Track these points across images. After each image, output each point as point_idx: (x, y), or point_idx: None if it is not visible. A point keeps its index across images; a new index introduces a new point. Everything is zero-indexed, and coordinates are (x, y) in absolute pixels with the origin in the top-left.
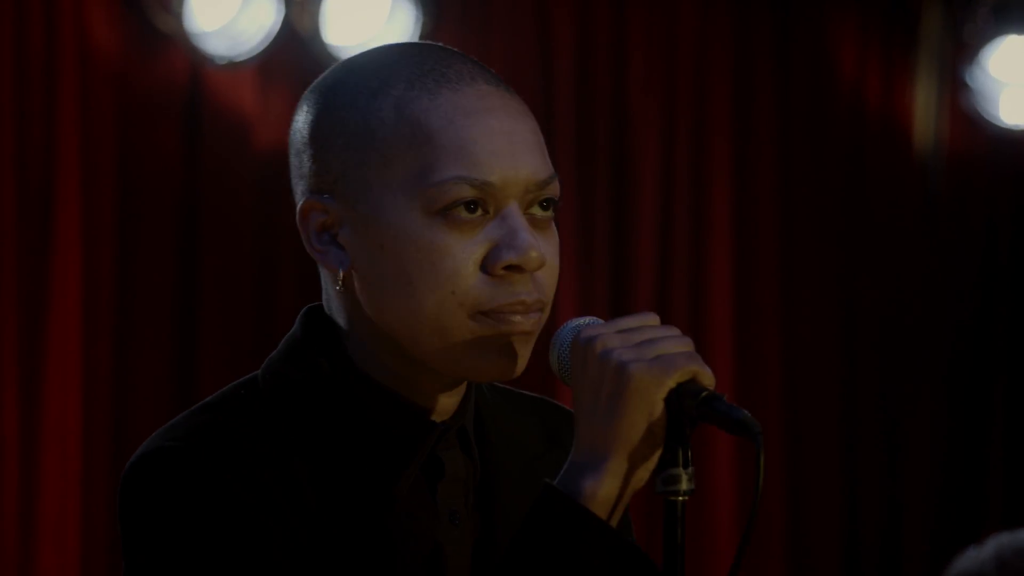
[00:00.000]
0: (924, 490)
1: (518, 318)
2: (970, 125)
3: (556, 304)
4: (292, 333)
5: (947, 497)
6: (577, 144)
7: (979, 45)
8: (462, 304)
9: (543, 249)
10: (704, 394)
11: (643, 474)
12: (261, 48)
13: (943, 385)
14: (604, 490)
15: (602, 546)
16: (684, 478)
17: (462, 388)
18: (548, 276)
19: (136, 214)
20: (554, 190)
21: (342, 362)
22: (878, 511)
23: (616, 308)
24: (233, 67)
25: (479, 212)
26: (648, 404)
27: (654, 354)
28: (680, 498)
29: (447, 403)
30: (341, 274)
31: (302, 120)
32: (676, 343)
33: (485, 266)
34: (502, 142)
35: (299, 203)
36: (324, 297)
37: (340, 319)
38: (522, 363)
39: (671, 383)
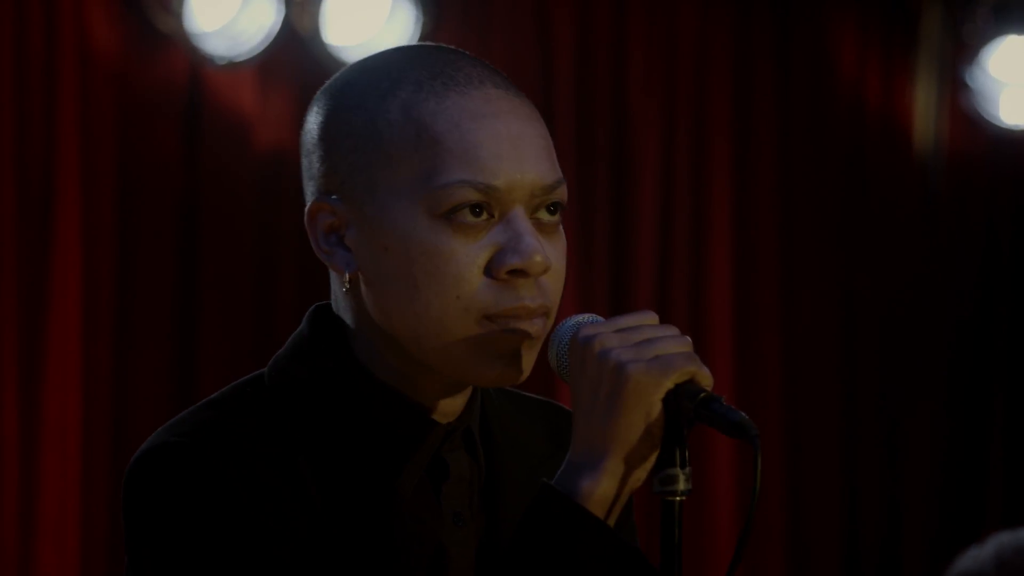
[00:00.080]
0: (924, 490)
1: (523, 324)
2: (970, 125)
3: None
4: (299, 331)
5: (947, 497)
6: (577, 144)
7: (979, 45)
8: (467, 309)
9: (548, 254)
10: (702, 395)
11: (640, 474)
12: (261, 48)
13: (943, 385)
14: (601, 489)
15: (599, 545)
16: (681, 478)
17: (468, 390)
18: (553, 281)
19: (136, 214)
20: (561, 195)
21: (348, 361)
22: (878, 511)
23: (616, 308)
24: (233, 67)
25: (484, 216)
26: (646, 404)
27: (652, 354)
28: (677, 498)
29: (453, 405)
30: (347, 276)
31: (312, 121)
32: (675, 343)
33: (489, 270)
34: (508, 146)
35: (307, 204)
36: (332, 297)
37: (347, 319)
38: (527, 369)
39: (669, 384)
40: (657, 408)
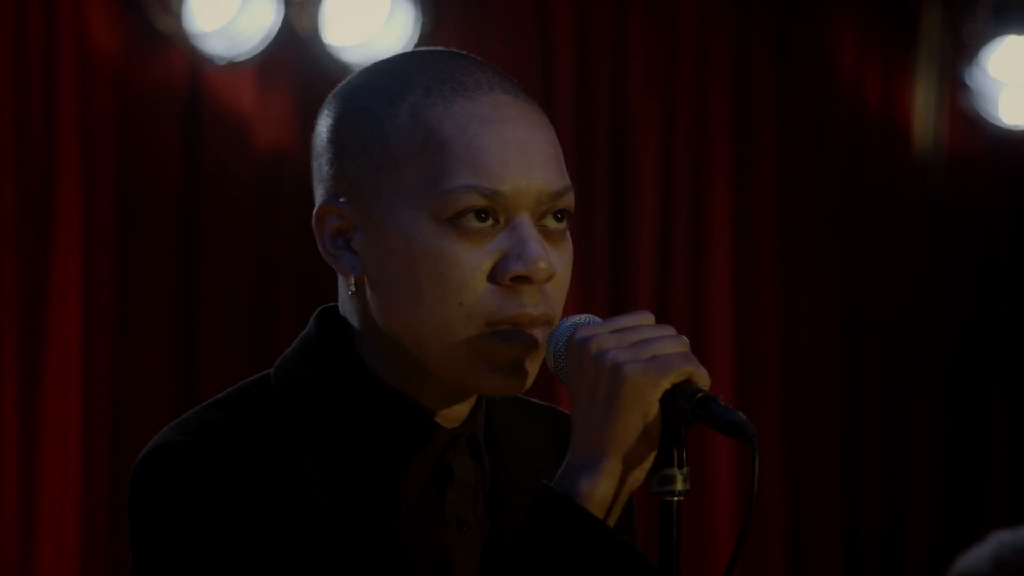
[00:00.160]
0: (924, 490)
1: (525, 334)
2: (970, 125)
3: None
4: (306, 333)
5: (947, 497)
6: (577, 144)
7: (979, 45)
8: (470, 316)
9: (553, 261)
10: (699, 395)
11: (639, 474)
12: (260, 48)
13: (943, 385)
14: (600, 490)
15: (599, 546)
16: (679, 478)
17: (473, 396)
18: (557, 290)
19: (136, 214)
20: (568, 202)
21: (354, 364)
22: (878, 511)
23: (616, 307)
24: (233, 67)
25: (489, 222)
26: (643, 405)
27: (649, 354)
28: (675, 498)
29: (458, 410)
30: (353, 279)
31: (322, 124)
32: (672, 343)
33: (494, 277)
34: (515, 152)
35: (316, 206)
36: (339, 299)
37: (353, 322)
38: (528, 380)
39: (666, 384)
40: (655, 408)
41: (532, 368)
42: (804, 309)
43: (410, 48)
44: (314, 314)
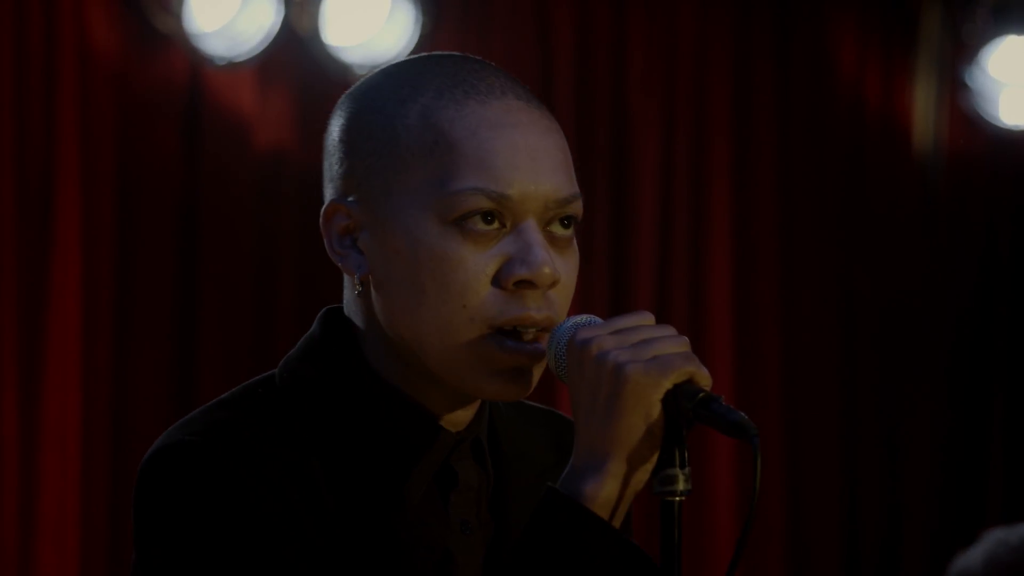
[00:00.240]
0: (924, 490)
1: (527, 340)
2: (970, 125)
3: None
4: (311, 333)
5: (947, 497)
6: (577, 144)
7: (979, 45)
8: (472, 318)
9: (558, 267)
10: (701, 395)
11: (643, 475)
12: (260, 49)
13: (943, 385)
14: (606, 492)
15: (606, 548)
16: (681, 478)
17: (476, 401)
18: (561, 296)
19: (136, 214)
20: (576, 209)
21: (359, 365)
22: (878, 511)
23: (616, 308)
24: (232, 67)
25: (496, 225)
26: (645, 405)
27: (651, 355)
28: (677, 498)
29: (462, 414)
30: (358, 278)
31: (334, 124)
32: (672, 343)
33: (498, 280)
34: (524, 157)
35: (324, 205)
36: (344, 299)
37: (358, 322)
38: (530, 386)
39: (668, 384)
40: (657, 409)
41: (534, 374)
42: (804, 309)
43: (410, 48)
44: (319, 315)
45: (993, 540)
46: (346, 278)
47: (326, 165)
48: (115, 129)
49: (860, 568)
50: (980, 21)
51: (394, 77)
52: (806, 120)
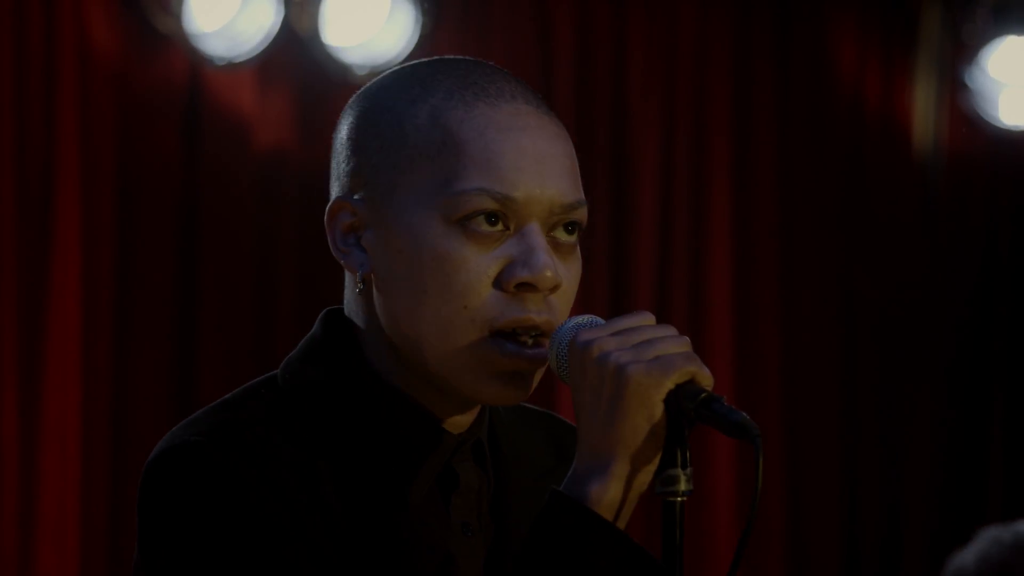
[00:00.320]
0: (924, 490)
1: (527, 345)
2: (970, 125)
3: None
4: (312, 334)
5: (947, 497)
6: (577, 144)
7: (979, 45)
8: (473, 320)
9: (560, 272)
10: (703, 395)
11: (646, 476)
12: (260, 49)
13: (943, 385)
14: (610, 494)
15: (613, 549)
16: (683, 479)
17: (477, 404)
18: (562, 300)
19: (136, 214)
20: (581, 215)
21: (360, 366)
22: (878, 511)
23: (616, 308)
24: (232, 68)
25: (499, 226)
26: (648, 406)
27: (652, 355)
28: (679, 499)
29: (463, 418)
30: (360, 276)
31: (344, 122)
32: (674, 343)
33: (499, 282)
34: (531, 161)
35: (329, 203)
36: (345, 300)
37: (359, 322)
38: (529, 390)
39: (670, 384)
40: (659, 409)
41: (534, 378)
42: (804, 309)
43: (410, 49)
44: (320, 316)
45: (987, 538)
46: (347, 277)
47: (333, 163)
48: (115, 129)
49: (860, 568)
50: (980, 21)
51: (405, 78)
52: (806, 120)
